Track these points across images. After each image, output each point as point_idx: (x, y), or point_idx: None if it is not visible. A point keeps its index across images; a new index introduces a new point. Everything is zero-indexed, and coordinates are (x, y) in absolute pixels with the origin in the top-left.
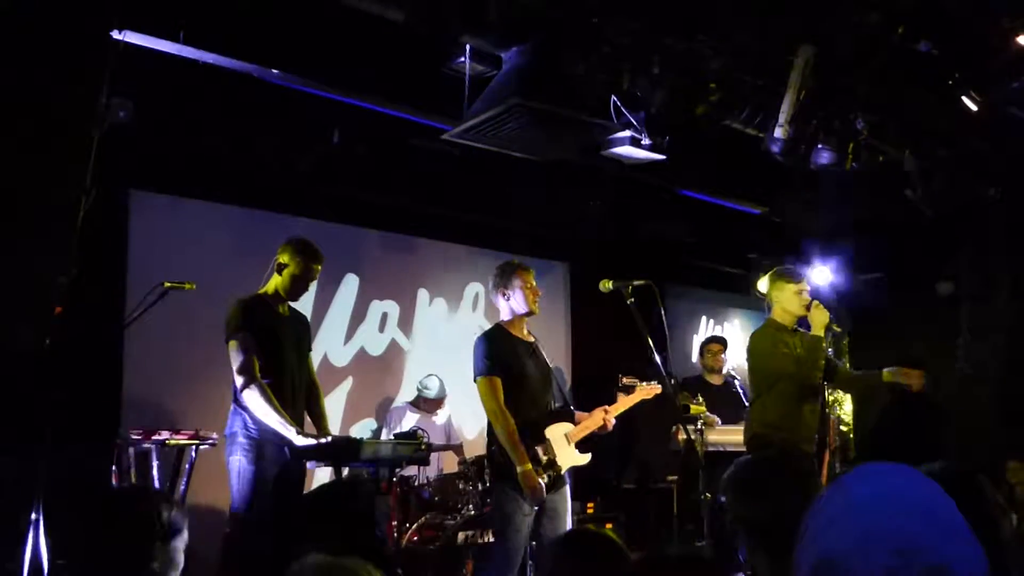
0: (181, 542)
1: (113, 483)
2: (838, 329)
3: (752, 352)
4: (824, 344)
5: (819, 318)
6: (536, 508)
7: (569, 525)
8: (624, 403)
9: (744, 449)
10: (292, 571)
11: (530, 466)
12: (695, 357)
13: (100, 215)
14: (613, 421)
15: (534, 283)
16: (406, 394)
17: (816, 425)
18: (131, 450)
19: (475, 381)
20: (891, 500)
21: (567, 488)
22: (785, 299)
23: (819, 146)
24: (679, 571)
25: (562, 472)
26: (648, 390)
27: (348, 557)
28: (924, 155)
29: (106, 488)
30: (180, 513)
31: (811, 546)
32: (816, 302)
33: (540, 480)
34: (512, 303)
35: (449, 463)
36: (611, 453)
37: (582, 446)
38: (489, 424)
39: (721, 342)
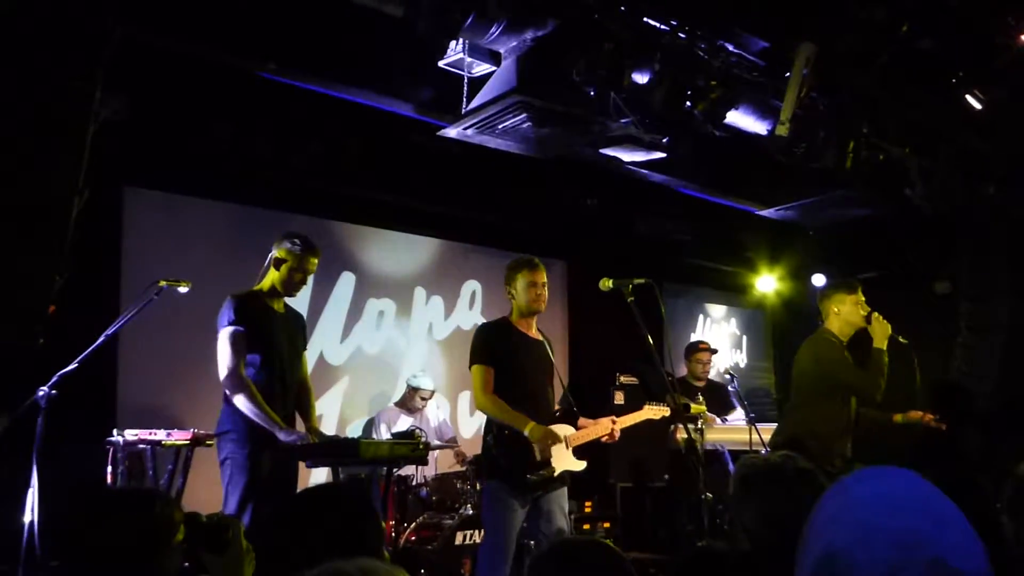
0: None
1: (108, 484)
2: (904, 341)
3: (813, 359)
4: (885, 358)
5: (881, 330)
6: (527, 507)
7: (565, 527)
8: (631, 418)
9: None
10: None
11: (533, 423)
12: None
13: (94, 213)
14: (618, 432)
15: (541, 279)
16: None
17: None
18: (126, 451)
19: (469, 369)
20: (890, 498)
21: (564, 491)
22: (845, 311)
23: (819, 144)
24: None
25: (555, 474)
26: (657, 411)
27: (369, 559)
28: (925, 153)
29: (105, 488)
30: (179, 512)
31: (813, 544)
32: (876, 314)
33: (546, 443)
34: (517, 301)
35: (445, 462)
36: (608, 452)
37: (579, 452)
38: (487, 419)
39: (710, 350)
